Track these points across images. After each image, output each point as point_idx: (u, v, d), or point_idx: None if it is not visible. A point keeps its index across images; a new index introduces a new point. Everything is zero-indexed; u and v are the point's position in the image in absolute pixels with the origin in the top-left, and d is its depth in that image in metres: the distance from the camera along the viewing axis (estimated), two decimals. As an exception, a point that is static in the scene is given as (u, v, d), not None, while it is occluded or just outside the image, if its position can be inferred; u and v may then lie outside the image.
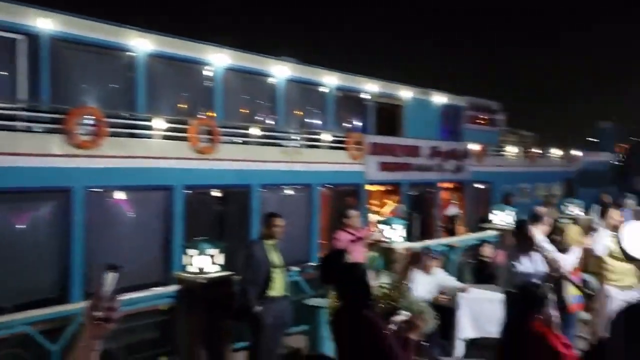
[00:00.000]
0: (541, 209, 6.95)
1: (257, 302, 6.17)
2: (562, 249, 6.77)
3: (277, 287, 6.30)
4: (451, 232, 16.85)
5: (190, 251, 6.39)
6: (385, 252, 8.55)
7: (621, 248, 6.51)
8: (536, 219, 6.74)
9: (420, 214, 17.12)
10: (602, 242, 6.76)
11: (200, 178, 11.40)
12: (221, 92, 13.16)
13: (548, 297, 4.13)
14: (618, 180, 31.87)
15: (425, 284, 7.47)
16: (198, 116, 12.69)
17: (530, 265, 5.94)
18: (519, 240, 6.15)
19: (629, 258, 6.48)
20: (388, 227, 8.66)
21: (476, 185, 20.44)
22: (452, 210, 18.55)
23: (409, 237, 14.80)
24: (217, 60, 12.91)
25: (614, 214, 7.08)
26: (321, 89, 15.79)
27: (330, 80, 15.73)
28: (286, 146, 13.51)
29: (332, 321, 4.00)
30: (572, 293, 6.68)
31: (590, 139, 39.17)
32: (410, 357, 3.73)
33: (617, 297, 6.44)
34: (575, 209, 12.88)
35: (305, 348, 6.86)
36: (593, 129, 38.57)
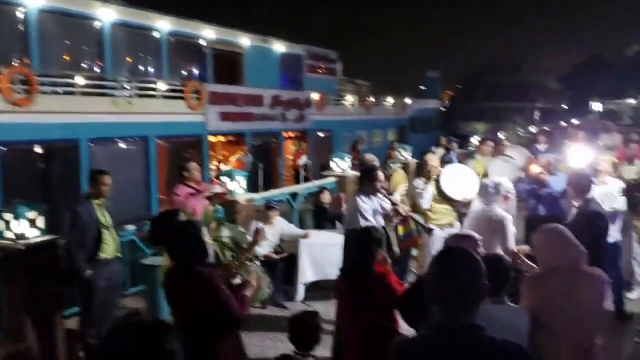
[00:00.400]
0: (369, 156, 7.10)
1: (87, 265, 5.70)
2: (389, 191, 7.07)
3: (108, 248, 5.86)
4: (304, 180, 17.13)
5: (6, 215, 5.68)
6: (228, 205, 8.38)
7: (438, 189, 6.95)
8: (364, 164, 6.88)
9: (265, 164, 17.16)
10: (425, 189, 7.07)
11: (16, 133, 10.21)
12: (37, 36, 11.76)
13: (384, 238, 4.27)
14: (444, 125, 34.69)
15: (267, 235, 7.47)
16: (11, 64, 11.26)
17: (373, 206, 6.11)
18: (364, 183, 6.23)
19: (445, 198, 6.94)
20: (230, 179, 8.47)
21: (318, 133, 20.91)
22: (303, 159, 18.78)
23: (254, 188, 14.84)
24: (30, 0, 11.44)
25: (431, 158, 7.41)
26: (154, 34, 14.80)
27: (162, 25, 14.78)
28: (117, 96, 12.54)
29: (165, 283, 3.76)
30: (402, 232, 7.07)
31: (421, 87, 41.98)
32: (246, 312, 3.64)
33: (438, 235, 6.92)
34: (405, 154, 13.69)
35: (143, 309, 6.55)
36: (423, 78, 41.34)
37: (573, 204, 6.49)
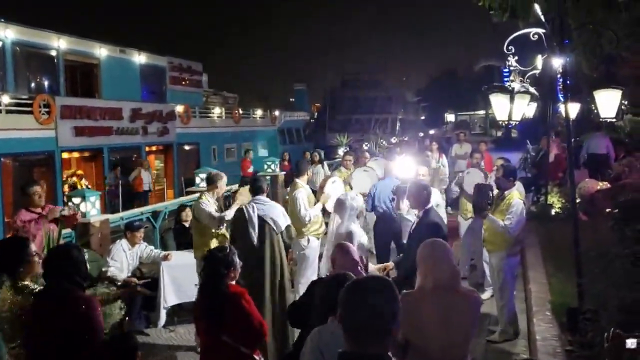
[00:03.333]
0: (213, 172, 6.90)
1: None
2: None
3: None
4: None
5: None
6: (79, 227, 7.85)
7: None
8: (210, 181, 6.65)
9: (126, 181, 16.38)
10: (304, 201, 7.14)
11: None
12: None
13: (236, 257, 4.22)
14: (313, 137, 35.46)
15: (127, 258, 7.09)
16: None
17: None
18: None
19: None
20: (82, 199, 7.93)
21: (184, 147, 20.40)
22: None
23: (113, 206, 14.09)
24: None
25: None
26: (-6, 43, 13.55)
27: (6, 34, 13.57)
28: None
29: (34, 310, 3.44)
30: None
31: (291, 99, 42.68)
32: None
33: (314, 245, 7.03)
34: (273, 167, 13.77)
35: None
36: (291, 90, 42.10)
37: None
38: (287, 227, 6.05)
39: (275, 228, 5.86)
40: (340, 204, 5.45)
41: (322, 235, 7.15)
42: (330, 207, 7.37)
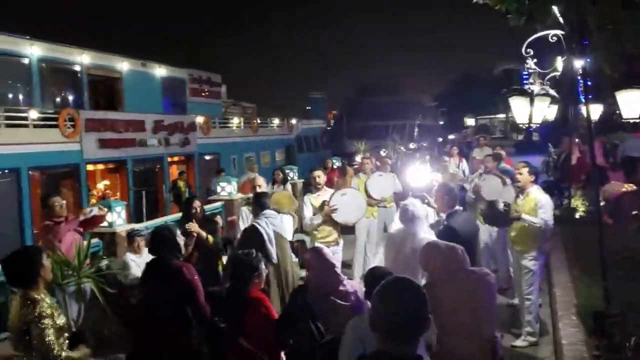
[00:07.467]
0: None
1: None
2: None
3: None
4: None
5: None
6: (106, 237, 8.02)
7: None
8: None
9: (149, 191, 16.61)
10: (308, 208, 7.23)
11: None
12: None
13: (262, 263, 4.26)
14: (330, 144, 35.47)
15: (137, 266, 7.18)
16: None
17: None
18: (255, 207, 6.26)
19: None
20: (108, 209, 8.08)
21: (205, 157, 20.60)
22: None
23: (137, 216, 14.30)
24: None
25: (317, 175, 7.53)
26: (22, 60, 13.88)
27: (32, 51, 13.91)
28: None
29: (148, 278, 4.35)
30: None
31: (307, 108, 42.84)
32: None
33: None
34: (292, 174, 13.84)
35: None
36: (307, 98, 42.29)
37: None
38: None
39: (288, 239, 6.08)
40: (405, 213, 5.18)
41: (332, 244, 7.14)
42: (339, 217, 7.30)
